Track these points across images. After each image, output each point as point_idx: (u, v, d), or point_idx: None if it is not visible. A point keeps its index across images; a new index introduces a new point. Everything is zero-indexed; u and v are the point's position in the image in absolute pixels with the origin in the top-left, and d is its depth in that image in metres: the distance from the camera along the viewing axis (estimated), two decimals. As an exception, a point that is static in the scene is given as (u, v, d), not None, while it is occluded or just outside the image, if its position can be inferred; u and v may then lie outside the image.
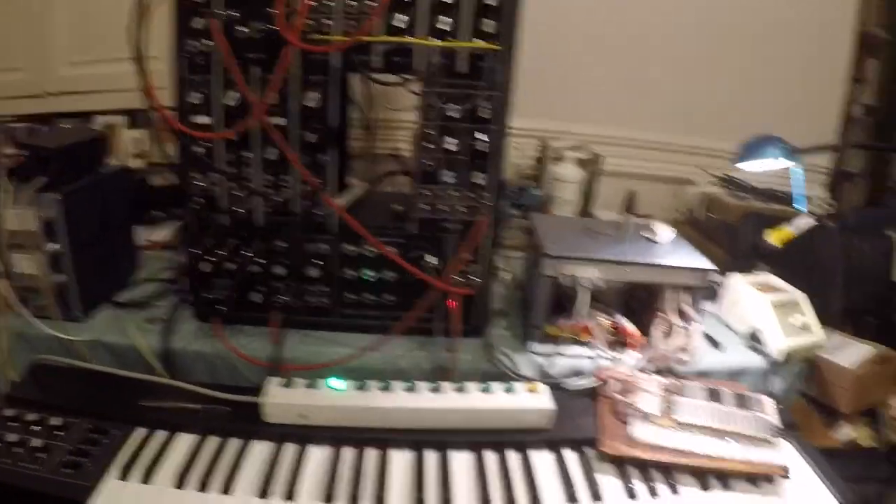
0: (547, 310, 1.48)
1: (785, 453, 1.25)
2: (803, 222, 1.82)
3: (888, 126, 3.55)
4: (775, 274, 1.84)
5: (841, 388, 2.14)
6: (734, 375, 1.60)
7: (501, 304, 1.73)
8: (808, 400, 1.94)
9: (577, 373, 1.48)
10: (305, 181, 1.41)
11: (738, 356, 1.64)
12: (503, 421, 1.26)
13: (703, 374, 1.53)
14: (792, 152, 1.80)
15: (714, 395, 1.34)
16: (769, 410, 1.32)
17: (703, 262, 1.48)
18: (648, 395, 1.32)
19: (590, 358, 1.50)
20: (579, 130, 2.64)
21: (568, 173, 2.27)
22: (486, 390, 1.29)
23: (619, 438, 1.25)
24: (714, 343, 1.66)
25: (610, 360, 1.46)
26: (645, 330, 1.52)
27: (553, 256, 1.43)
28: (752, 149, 1.84)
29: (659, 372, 1.45)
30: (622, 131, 2.78)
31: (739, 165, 1.86)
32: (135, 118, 2.78)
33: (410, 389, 1.28)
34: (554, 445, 1.27)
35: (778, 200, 2.68)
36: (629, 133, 2.79)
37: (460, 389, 1.29)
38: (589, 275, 1.40)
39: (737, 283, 1.77)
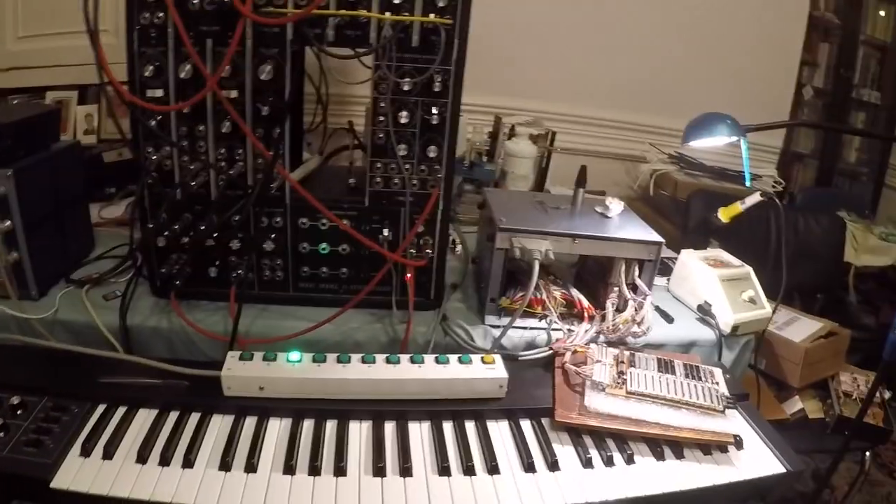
0: (501, 283, 1.50)
1: (737, 423, 1.30)
2: (751, 199, 1.87)
3: (837, 108, 3.65)
4: (726, 250, 1.89)
5: (790, 362, 2.21)
6: (685, 348, 1.64)
7: (456, 277, 1.75)
8: (758, 373, 2.00)
9: (532, 345, 1.51)
10: (259, 154, 1.41)
11: (688, 329, 1.68)
12: (459, 391, 1.29)
13: (655, 347, 1.58)
14: (740, 130, 1.84)
15: (666, 367, 1.38)
16: (720, 381, 1.37)
17: (653, 236, 1.51)
18: (601, 365, 1.36)
19: (543, 330, 1.52)
20: (533, 107, 2.67)
21: (521, 149, 2.29)
22: (441, 361, 1.31)
23: (573, 408, 1.29)
24: (665, 316, 1.71)
25: (563, 333, 1.49)
26: (597, 303, 1.56)
27: (506, 229, 1.45)
28: (701, 125, 1.88)
29: (611, 344, 1.49)
30: (575, 108, 2.82)
31: (689, 143, 1.90)
32: (85, 94, 2.73)
33: (368, 361, 1.29)
34: (510, 415, 1.30)
35: (728, 178, 2.75)
36: (582, 110, 2.84)
37: (416, 361, 1.31)
38: (542, 247, 1.42)
39: (687, 258, 1.81)
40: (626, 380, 1.33)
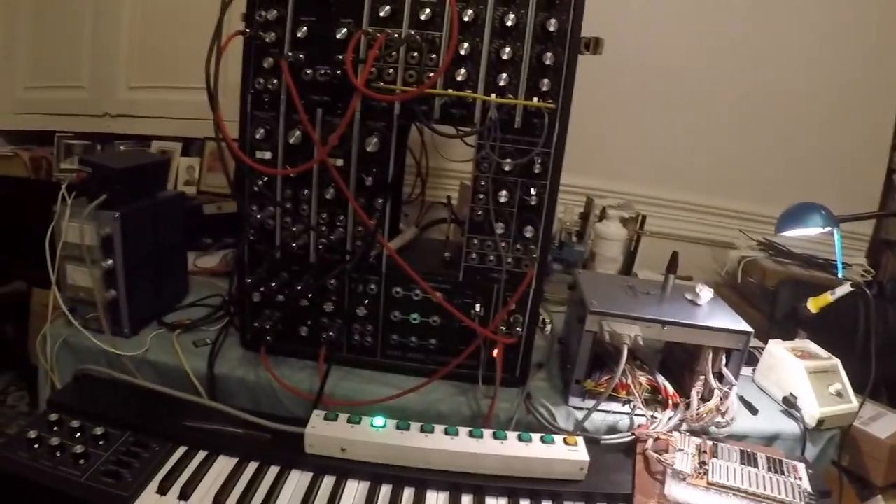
0: (587, 365, 1.50)
1: None
2: (841, 289, 1.83)
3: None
4: (814, 341, 1.84)
5: (874, 459, 2.12)
6: (769, 440, 1.60)
7: (541, 356, 1.75)
8: (841, 470, 1.92)
9: (614, 429, 1.49)
10: (360, 222, 1.46)
11: (773, 421, 1.63)
12: (539, 470, 1.28)
13: (737, 438, 1.54)
14: (834, 220, 1.81)
15: (749, 459, 1.35)
16: (803, 477, 1.33)
17: (742, 325, 1.49)
18: (683, 454, 1.33)
19: (627, 415, 1.51)
20: (623, 189, 2.68)
21: (612, 231, 2.30)
22: (524, 439, 1.31)
23: (653, 496, 1.26)
24: (750, 407, 1.67)
25: (646, 419, 1.47)
26: (682, 390, 1.53)
27: (597, 312, 1.46)
28: (795, 216, 1.85)
29: (694, 433, 1.46)
30: (665, 192, 2.82)
31: (782, 232, 1.87)
32: (189, 146, 2.86)
33: (450, 433, 1.30)
34: (589, 499, 1.28)
35: (817, 267, 2.68)
36: (672, 194, 2.82)
37: (499, 437, 1.31)
38: (631, 332, 1.42)
39: (775, 348, 1.78)
40: (707, 470, 1.30)
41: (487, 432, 1.31)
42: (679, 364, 1.62)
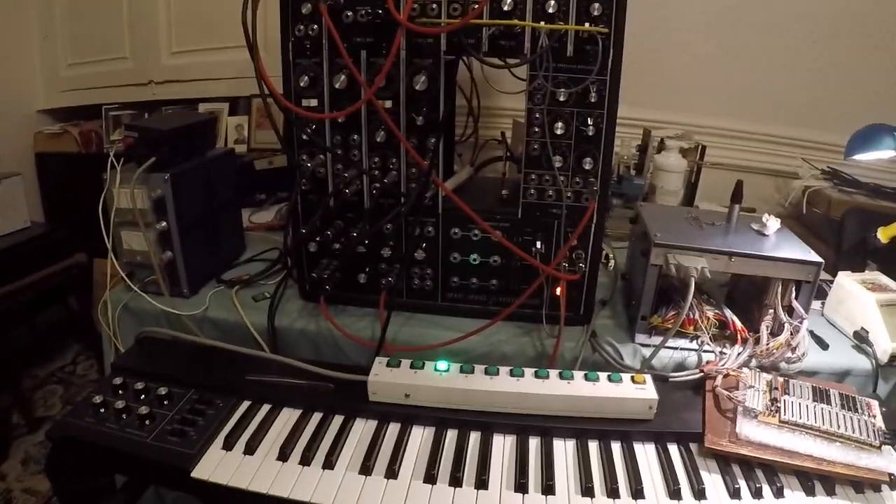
0: (653, 300, 1.46)
1: (892, 461, 1.19)
2: (916, 219, 1.74)
3: None
4: (884, 272, 1.77)
5: (951, 394, 2.03)
6: (840, 377, 1.54)
7: (604, 293, 1.71)
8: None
9: (682, 366, 1.45)
10: (414, 164, 1.43)
11: (844, 356, 1.57)
12: (607, 410, 1.25)
13: (808, 374, 1.48)
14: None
15: (821, 396, 1.29)
16: (877, 414, 1.27)
17: (812, 256, 1.43)
18: (754, 391, 1.28)
19: (695, 351, 1.47)
20: (682, 120, 2.58)
21: (671, 163, 2.22)
22: (591, 379, 1.28)
23: (724, 435, 1.22)
24: (820, 342, 1.61)
25: (715, 355, 1.43)
26: (750, 325, 1.48)
27: (662, 245, 1.41)
28: (866, 138, 1.77)
29: (764, 368, 1.41)
30: (725, 121, 2.71)
31: (852, 156, 1.78)
32: (236, 106, 2.87)
33: (516, 374, 1.28)
34: (658, 438, 1.25)
35: (884, 196, 2.57)
36: (733, 123, 2.72)
37: (566, 377, 1.28)
38: (698, 265, 1.36)
39: (844, 280, 1.70)
40: (779, 408, 1.25)
41: (553, 372, 1.29)
42: (747, 298, 1.56)
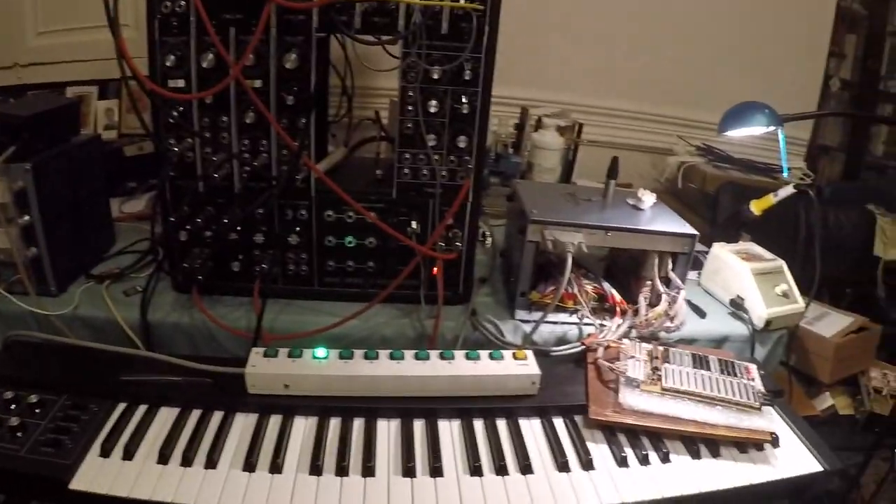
0: (531, 276, 1.47)
1: (773, 421, 1.25)
2: (784, 191, 1.82)
3: (864, 99, 3.57)
4: (758, 243, 1.84)
5: (821, 357, 2.16)
6: (718, 343, 1.61)
7: (483, 271, 1.71)
8: (789, 370, 1.95)
9: (563, 340, 1.47)
10: (285, 145, 1.38)
11: (721, 324, 1.64)
12: (490, 388, 1.25)
13: (687, 342, 1.54)
14: (778, 119, 1.79)
15: (700, 362, 1.33)
16: (756, 377, 1.32)
17: (687, 229, 1.47)
18: (635, 361, 1.31)
19: (575, 324, 1.49)
20: (559, 98, 2.62)
21: (548, 141, 2.25)
22: (472, 357, 1.27)
23: (607, 405, 1.25)
24: (698, 310, 1.66)
25: (595, 328, 1.45)
26: (629, 297, 1.52)
27: (538, 221, 1.42)
28: (738, 115, 1.83)
29: (644, 339, 1.44)
30: (602, 100, 2.77)
31: (726, 132, 1.85)
32: (106, 89, 2.71)
33: (396, 357, 1.25)
34: (543, 412, 1.26)
35: (756, 171, 2.69)
36: (609, 102, 2.79)
37: (446, 357, 1.27)
38: (574, 240, 1.38)
39: (719, 251, 1.77)
40: (660, 376, 1.28)
41: (434, 353, 1.27)
42: (625, 271, 1.60)
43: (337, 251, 1.49)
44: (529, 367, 1.26)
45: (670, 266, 1.48)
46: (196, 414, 1.20)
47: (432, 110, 1.35)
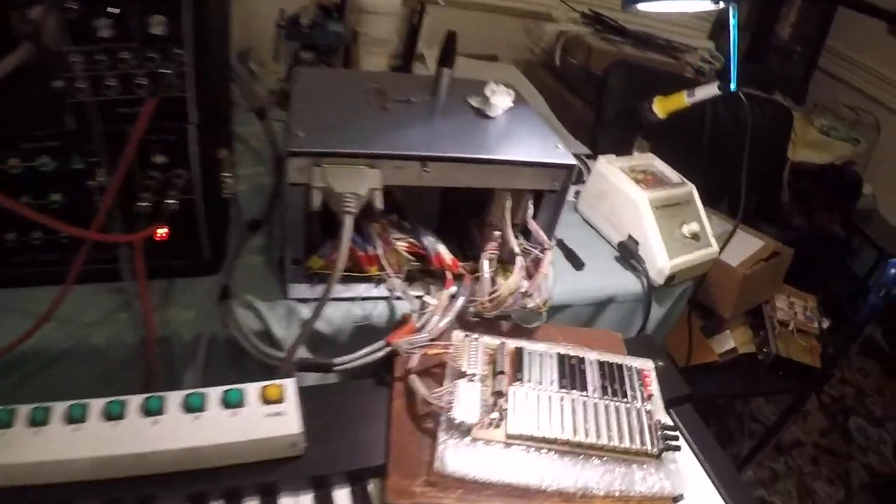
0: (307, 234, 0.89)
1: (676, 472, 0.78)
2: (704, 91, 1.30)
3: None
4: (659, 155, 1.35)
5: (723, 289, 1.74)
6: (598, 308, 1.14)
7: (260, 209, 1.10)
8: (690, 310, 1.53)
9: (367, 329, 0.93)
10: None
11: (605, 278, 1.16)
12: (227, 457, 0.71)
13: (557, 309, 1.06)
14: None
15: (572, 373, 0.84)
16: (654, 391, 0.86)
17: (560, 153, 0.92)
18: (468, 385, 0.79)
19: (384, 299, 0.95)
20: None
21: (380, 1, 1.55)
22: (192, 407, 0.71)
23: (418, 471, 0.74)
24: (573, 258, 1.17)
25: (410, 305, 0.92)
26: (469, 251, 0.99)
27: (303, 153, 0.81)
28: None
29: (485, 322, 0.93)
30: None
31: (635, 5, 1.26)
32: None
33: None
34: (318, 483, 0.74)
35: (655, 48, 2.17)
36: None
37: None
38: (360, 188, 0.80)
39: (606, 169, 1.25)
40: (506, 409, 0.78)
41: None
42: (462, 218, 1.05)
43: (13, 219, 0.81)
44: (286, 417, 0.72)
45: (530, 211, 0.94)
46: None
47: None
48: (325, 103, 0.93)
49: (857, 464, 2.39)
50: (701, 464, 0.84)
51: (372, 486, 0.75)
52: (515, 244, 0.93)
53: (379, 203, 0.79)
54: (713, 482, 0.82)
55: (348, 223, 0.77)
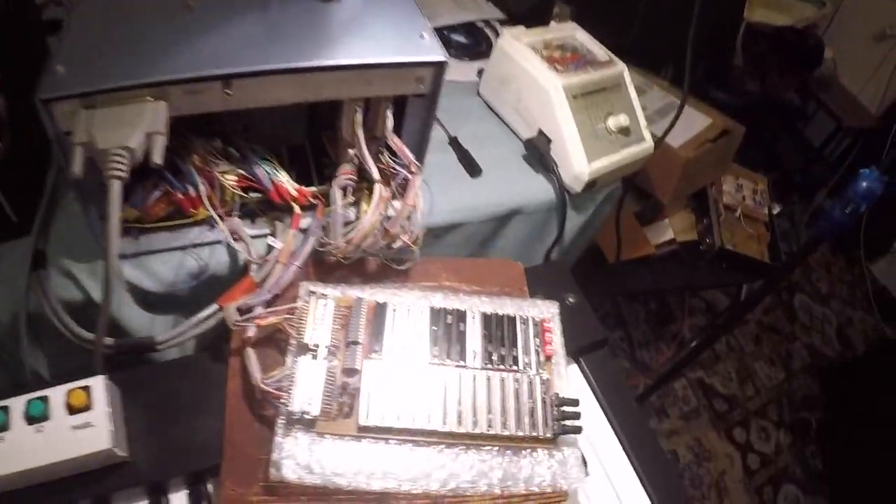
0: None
1: (573, 460, 0.65)
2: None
3: None
4: (584, 22, 1.14)
5: (663, 170, 1.54)
6: (501, 221, 0.96)
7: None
8: (617, 224, 1.39)
9: (208, 286, 0.76)
10: None
11: (507, 185, 0.98)
12: (35, 479, 0.57)
13: (445, 228, 0.90)
14: None
15: (444, 336, 0.69)
16: (557, 349, 0.72)
17: (426, 46, 0.71)
18: (311, 364, 0.64)
19: (217, 244, 0.77)
20: None
21: None
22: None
23: (254, 474, 0.61)
24: (467, 162, 0.99)
25: (244, 254, 0.75)
26: (320, 177, 0.82)
27: (60, 97, 0.57)
28: None
29: (337, 273, 0.77)
30: None
31: None
32: None
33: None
34: (152, 490, 0.62)
35: None
36: None
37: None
38: (132, 140, 0.57)
39: (511, 47, 1.05)
40: (354, 395, 0.64)
41: None
42: (308, 134, 0.84)
43: None
44: (95, 428, 0.58)
45: (390, 123, 0.75)
46: None
47: None
48: (113, 18, 0.68)
49: (800, 344, 2.35)
50: (615, 432, 0.72)
51: (212, 487, 0.64)
52: (374, 166, 0.74)
53: (158, 155, 0.58)
54: (626, 454, 0.71)
55: (115, 190, 0.57)
